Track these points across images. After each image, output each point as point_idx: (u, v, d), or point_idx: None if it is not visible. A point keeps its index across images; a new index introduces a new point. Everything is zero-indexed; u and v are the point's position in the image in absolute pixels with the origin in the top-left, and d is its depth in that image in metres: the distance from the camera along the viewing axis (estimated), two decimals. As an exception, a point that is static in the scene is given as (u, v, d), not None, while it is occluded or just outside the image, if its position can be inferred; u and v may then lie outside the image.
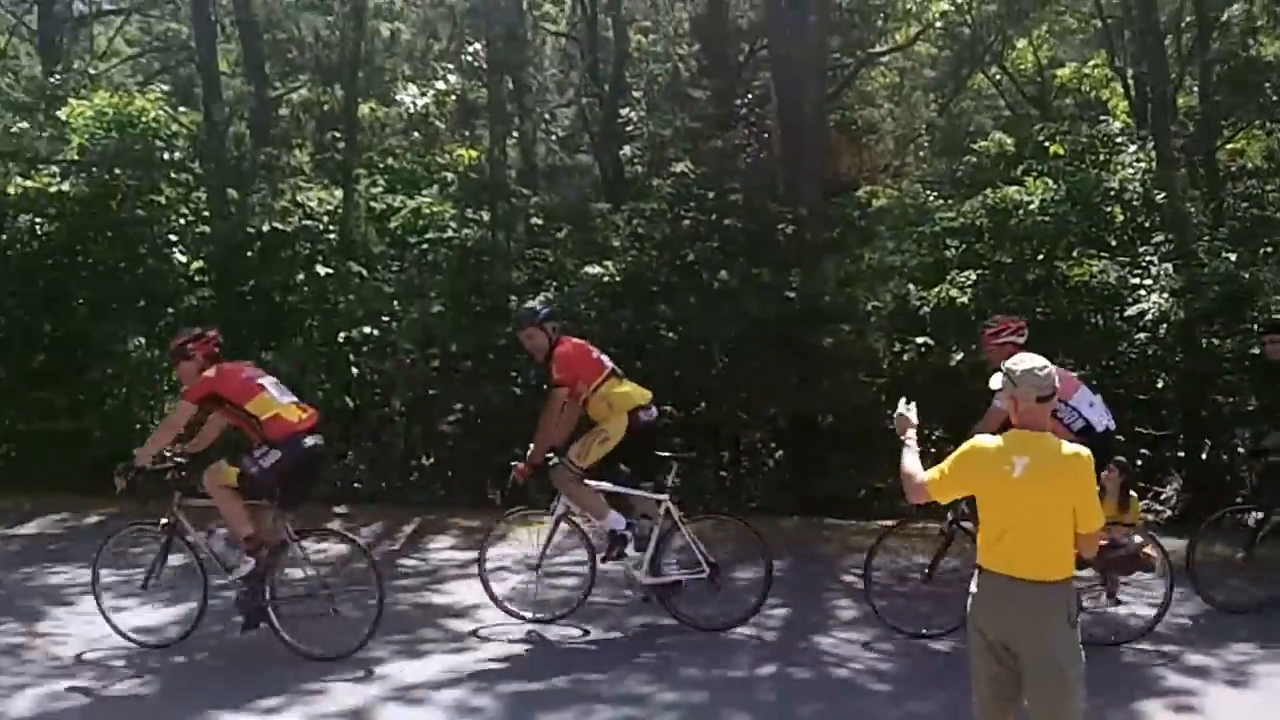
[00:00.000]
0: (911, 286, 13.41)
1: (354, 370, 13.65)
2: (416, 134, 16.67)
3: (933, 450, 7.99)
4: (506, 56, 15.50)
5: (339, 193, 15.20)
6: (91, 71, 21.32)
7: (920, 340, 12.96)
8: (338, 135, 16.42)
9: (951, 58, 21.79)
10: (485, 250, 14.91)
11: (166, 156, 15.74)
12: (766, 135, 15.93)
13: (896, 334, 13.39)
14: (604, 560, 8.53)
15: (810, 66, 14.40)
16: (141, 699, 7.07)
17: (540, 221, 15.59)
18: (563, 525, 8.66)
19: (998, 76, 22.62)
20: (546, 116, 18.93)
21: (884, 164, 20.13)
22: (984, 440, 4.73)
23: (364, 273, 14.08)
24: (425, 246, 15.03)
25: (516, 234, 15.22)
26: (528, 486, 9.32)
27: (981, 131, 18.73)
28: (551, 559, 8.72)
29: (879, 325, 13.50)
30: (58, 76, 19.36)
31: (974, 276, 12.91)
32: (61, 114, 16.20)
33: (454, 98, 16.27)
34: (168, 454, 8.11)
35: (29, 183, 16.31)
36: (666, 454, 9.07)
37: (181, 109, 17.32)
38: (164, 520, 8.17)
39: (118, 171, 15.61)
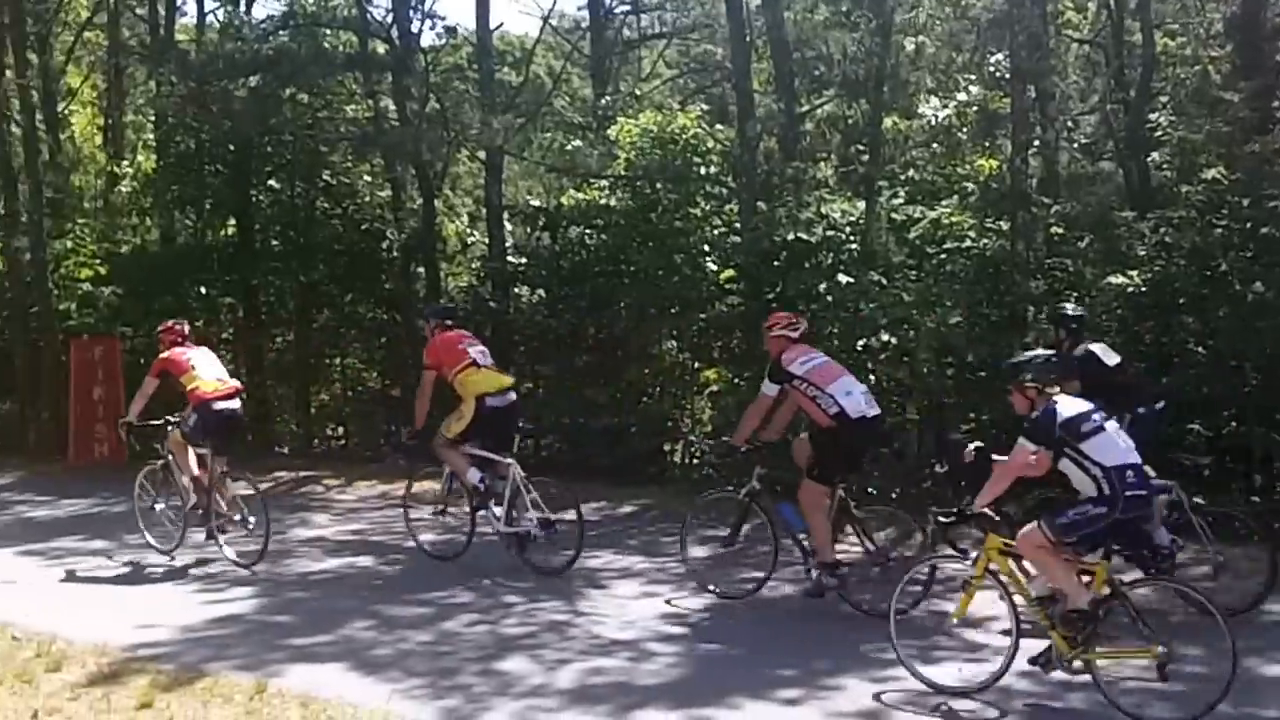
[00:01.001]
0: None
1: (871, 377, 13.70)
2: (937, 145, 16.51)
3: None
4: (1029, 65, 15.06)
5: (861, 204, 15.29)
6: (636, 93, 22.64)
7: None
8: (861, 148, 16.53)
9: None
10: (1004, 260, 14.54)
11: (703, 171, 16.43)
12: (1308, 138, 14.61)
13: None
14: (476, 510, 10.49)
15: (1358, 63, 13.07)
16: (669, 681, 7.39)
17: (1061, 230, 15.04)
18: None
19: None
20: (1069, 124, 18.21)
21: None
22: None
23: (883, 282, 14.07)
24: (944, 256, 14.86)
25: (1036, 243, 14.73)
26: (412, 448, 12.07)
27: None
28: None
29: None
30: (607, 98, 20.66)
31: None
32: (610, 133, 17.27)
33: (975, 108, 16.00)
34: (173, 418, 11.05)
35: (581, 196, 17.56)
36: (524, 427, 11.22)
37: (717, 126, 17.99)
38: (161, 462, 11.26)
39: (659, 186, 16.48)
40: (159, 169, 22.13)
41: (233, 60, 19.17)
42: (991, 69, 16.55)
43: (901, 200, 15.58)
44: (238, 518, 10.80)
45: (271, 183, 21.17)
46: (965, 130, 16.26)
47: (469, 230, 22.40)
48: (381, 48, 20.15)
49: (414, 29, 20.07)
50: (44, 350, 20.82)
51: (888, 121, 16.05)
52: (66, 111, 25.89)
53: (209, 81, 19.25)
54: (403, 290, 19.96)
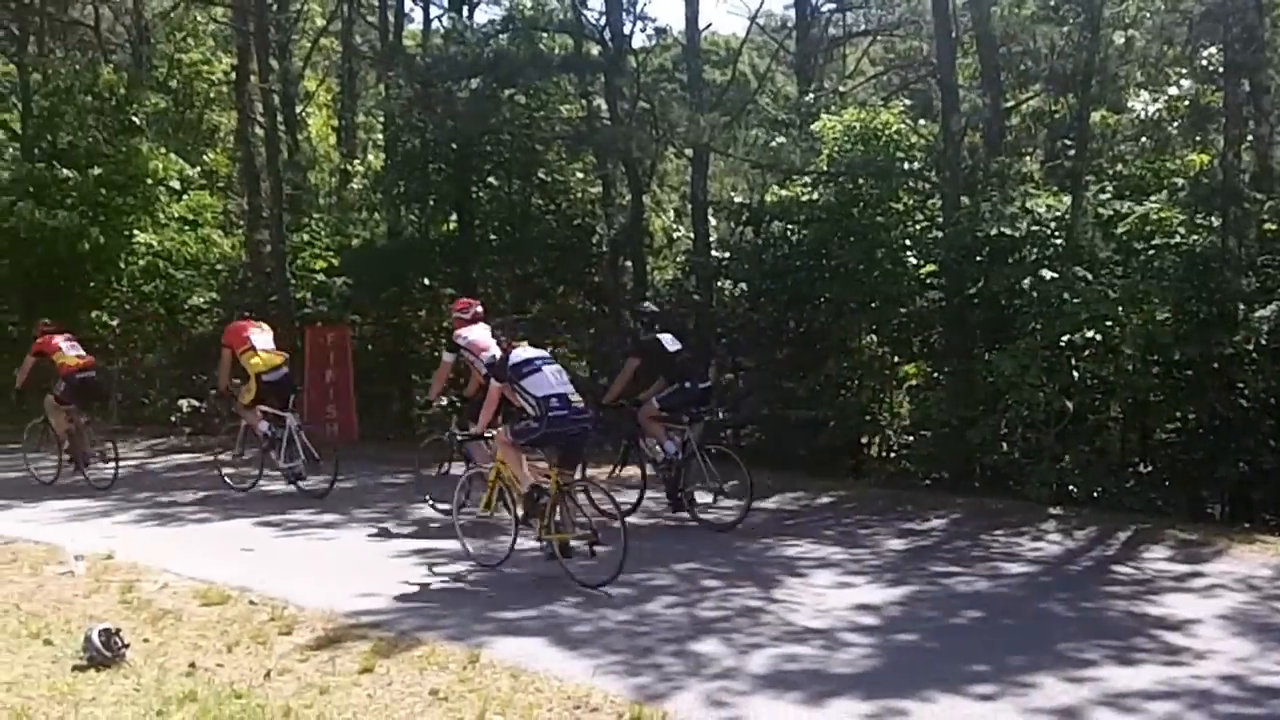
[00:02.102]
0: None
1: (1074, 374, 13.23)
2: (1146, 140, 15.85)
3: None
4: (1244, 58, 14.30)
5: (1067, 199, 14.78)
6: (841, 89, 22.35)
7: None
8: (1068, 143, 15.98)
9: None
10: (1214, 256, 13.85)
11: (906, 167, 16.11)
12: None
13: None
14: (266, 450, 13.68)
15: None
16: (863, 671, 7.20)
17: (1274, 227, 14.24)
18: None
19: None
20: (1283, 118, 17.24)
21: None
22: None
23: (1089, 277, 13.56)
24: (1151, 252, 14.25)
25: (1248, 240, 13.99)
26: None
27: None
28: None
29: None
30: (811, 95, 20.46)
31: None
32: (814, 129, 17.09)
33: (1186, 103, 15.29)
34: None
35: (784, 192, 17.43)
36: (297, 389, 14.32)
37: (920, 121, 17.65)
38: (41, 419, 15.05)
39: (861, 181, 16.22)
40: (387, 167, 22.83)
41: (456, 63, 19.60)
42: (1204, 63, 15.77)
43: (1109, 195, 15.01)
44: (97, 453, 14.79)
45: (490, 180, 21.59)
46: (1176, 125, 15.56)
47: (675, 225, 22.51)
48: (595, 49, 20.35)
49: (626, 31, 20.23)
50: (281, 335, 21.73)
51: (1095, 116, 15.46)
52: (304, 114, 26.95)
53: (434, 84, 19.75)
54: (611, 283, 20.16)
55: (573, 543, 9.41)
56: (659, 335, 12.11)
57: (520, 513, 9.59)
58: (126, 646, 7.08)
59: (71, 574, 9.45)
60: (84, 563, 9.71)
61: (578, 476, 10.29)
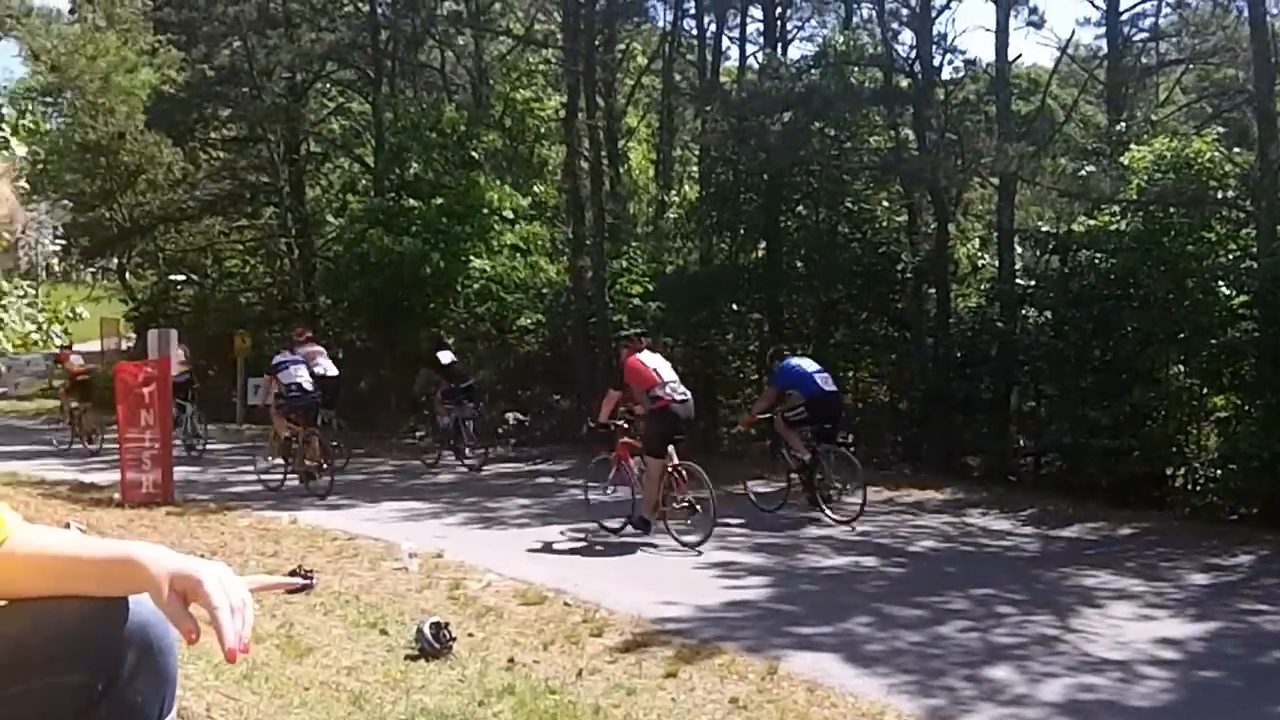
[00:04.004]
0: None
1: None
2: None
3: None
4: None
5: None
6: (1152, 118, 21.39)
7: None
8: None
9: None
10: None
11: (1219, 195, 15.33)
12: None
13: None
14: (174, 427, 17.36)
15: None
16: (1160, 705, 6.90)
17: None
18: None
19: None
20: None
21: None
22: None
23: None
24: None
25: None
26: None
27: None
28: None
29: None
30: (1122, 124, 19.69)
31: None
32: (1124, 159, 16.47)
33: None
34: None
35: (1091, 221, 16.87)
36: (194, 388, 19.84)
37: (1235, 150, 16.73)
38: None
39: (1171, 210, 15.53)
40: (701, 198, 23.33)
41: (769, 98, 19.85)
42: None
43: None
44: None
45: (798, 209, 21.75)
46: None
47: (979, 253, 22.06)
48: (904, 82, 20.23)
49: (935, 64, 20.04)
50: (598, 355, 22.52)
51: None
52: (625, 148, 27.80)
53: (748, 118, 20.09)
54: (914, 310, 19.96)
55: (308, 463, 14.54)
56: (438, 354, 17.92)
57: (282, 453, 14.98)
58: (454, 639, 7.29)
59: (406, 570, 9.95)
60: (417, 560, 10.21)
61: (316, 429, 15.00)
